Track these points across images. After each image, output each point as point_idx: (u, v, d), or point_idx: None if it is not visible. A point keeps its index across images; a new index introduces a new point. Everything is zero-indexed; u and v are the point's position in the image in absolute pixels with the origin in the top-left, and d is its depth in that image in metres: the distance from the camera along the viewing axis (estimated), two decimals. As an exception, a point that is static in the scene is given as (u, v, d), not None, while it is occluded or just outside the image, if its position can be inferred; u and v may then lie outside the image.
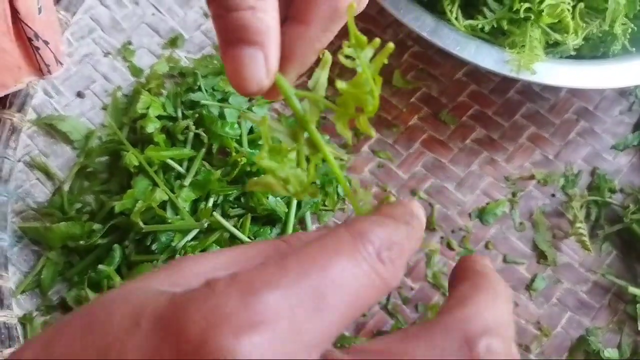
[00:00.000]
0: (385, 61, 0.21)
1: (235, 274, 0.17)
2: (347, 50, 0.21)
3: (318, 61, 0.24)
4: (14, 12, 0.46)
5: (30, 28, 0.47)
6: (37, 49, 0.50)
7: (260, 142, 0.54)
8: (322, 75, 0.23)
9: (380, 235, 0.19)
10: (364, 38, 0.21)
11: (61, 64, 0.55)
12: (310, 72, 0.24)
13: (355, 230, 0.19)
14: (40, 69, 0.52)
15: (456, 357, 0.17)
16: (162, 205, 0.48)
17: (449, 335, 0.17)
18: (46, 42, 0.50)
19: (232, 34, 0.21)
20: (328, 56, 0.24)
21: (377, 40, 0.21)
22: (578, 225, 0.53)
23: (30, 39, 0.48)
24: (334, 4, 0.22)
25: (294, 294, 0.16)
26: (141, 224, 0.47)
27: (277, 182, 0.23)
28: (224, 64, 0.21)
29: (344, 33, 0.23)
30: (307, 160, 0.23)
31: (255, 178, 0.23)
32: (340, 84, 0.21)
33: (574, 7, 0.52)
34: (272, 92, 0.23)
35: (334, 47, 0.24)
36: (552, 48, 0.54)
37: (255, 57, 0.21)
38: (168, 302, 0.17)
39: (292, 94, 0.23)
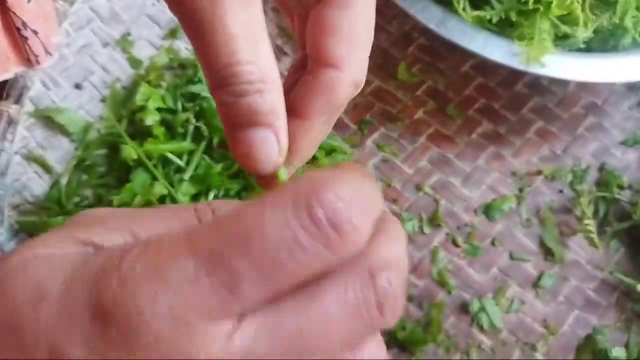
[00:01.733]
0: None
1: (148, 241, 0.17)
2: None
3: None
4: (2, 1, 0.45)
5: (18, 17, 0.46)
6: (26, 38, 0.48)
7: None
8: None
9: (343, 193, 0.16)
10: None
11: (50, 54, 0.53)
12: None
13: (302, 189, 0.16)
14: (28, 59, 0.51)
15: (361, 291, 0.17)
16: (162, 199, 0.47)
17: (355, 272, 0.17)
18: (35, 32, 0.49)
19: (241, 118, 0.20)
20: None
21: None
22: (586, 221, 0.52)
23: (18, 29, 0.47)
24: (332, 97, 0.22)
25: (203, 263, 0.16)
26: (140, 218, 0.46)
27: None
28: (233, 148, 0.21)
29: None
30: None
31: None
32: None
33: (584, -2, 0.51)
34: (270, 181, 0.22)
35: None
36: (561, 41, 0.53)
37: (267, 138, 0.21)
38: (81, 264, 0.17)
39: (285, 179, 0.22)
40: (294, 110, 0.22)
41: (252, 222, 0.16)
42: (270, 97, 0.20)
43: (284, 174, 0.23)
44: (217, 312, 0.16)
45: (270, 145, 0.21)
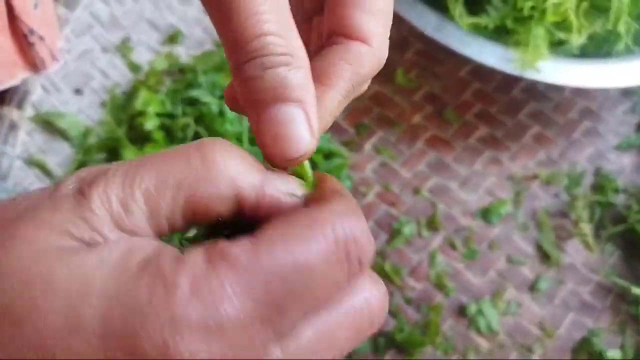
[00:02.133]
0: None
1: (183, 259, 0.16)
2: None
3: None
4: (10, 8, 0.45)
5: (25, 24, 0.47)
6: (32, 44, 0.49)
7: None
8: None
9: (367, 236, 0.18)
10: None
11: (57, 59, 0.54)
12: None
13: (341, 231, 0.17)
14: (35, 65, 0.52)
15: (367, 302, 0.18)
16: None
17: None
18: (41, 38, 0.49)
19: (268, 92, 0.19)
20: None
21: None
22: (581, 225, 0.53)
23: (25, 35, 0.48)
24: (360, 69, 0.22)
25: (263, 312, 0.16)
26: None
27: None
28: (258, 133, 0.20)
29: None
30: None
31: None
32: None
33: (577, 5, 0.52)
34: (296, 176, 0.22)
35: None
36: (556, 47, 0.54)
37: (297, 116, 0.19)
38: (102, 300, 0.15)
39: (310, 173, 0.21)
40: (317, 77, 0.21)
41: (306, 269, 0.16)
42: (299, 72, 0.19)
43: (309, 169, 0.21)
44: (265, 349, 0.16)
45: (300, 123, 0.19)
